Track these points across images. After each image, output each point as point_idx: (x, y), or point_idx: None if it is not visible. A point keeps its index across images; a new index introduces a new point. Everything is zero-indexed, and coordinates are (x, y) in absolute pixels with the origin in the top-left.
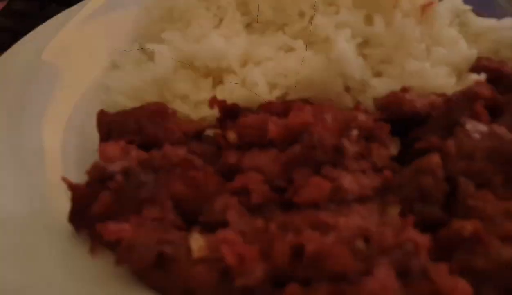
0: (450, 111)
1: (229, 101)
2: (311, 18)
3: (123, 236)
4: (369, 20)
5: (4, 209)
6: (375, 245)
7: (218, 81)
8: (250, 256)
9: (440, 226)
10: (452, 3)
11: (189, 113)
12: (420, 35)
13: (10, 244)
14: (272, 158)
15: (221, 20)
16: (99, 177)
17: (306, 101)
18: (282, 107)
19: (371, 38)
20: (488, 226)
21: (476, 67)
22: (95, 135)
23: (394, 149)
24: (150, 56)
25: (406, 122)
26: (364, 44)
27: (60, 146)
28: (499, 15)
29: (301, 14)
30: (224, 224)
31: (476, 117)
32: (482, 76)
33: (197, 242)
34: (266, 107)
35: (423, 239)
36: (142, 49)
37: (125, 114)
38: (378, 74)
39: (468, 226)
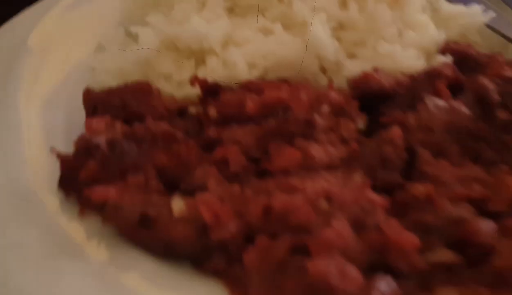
0: (413, 88)
1: (210, 80)
2: (290, 3)
3: (109, 198)
4: (344, 5)
5: None
6: (336, 203)
7: (200, 61)
8: (224, 214)
9: (399, 190)
10: None
11: (172, 92)
12: (392, 20)
13: None
14: (249, 131)
15: (203, 5)
16: (85, 147)
17: (284, 81)
18: (260, 86)
19: (345, 22)
20: (440, 189)
21: (444, 50)
22: (82, 112)
23: (361, 123)
24: (135, 38)
25: (374, 99)
26: (339, 27)
27: (44, 121)
28: (467, 2)
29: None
30: (204, 190)
31: (437, 94)
32: (448, 58)
33: (178, 204)
34: (245, 86)
35: (380, 199)
36: (127, 32)
37: (110, 92)
38: (352, 56)
39: (421, 189)
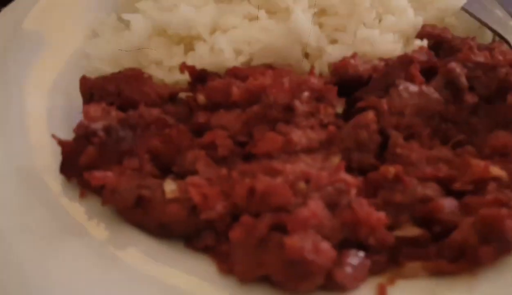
0: (387, 74)
1: (198, 67)
2: None
3: (107, 182)
4: None
5: None
6: (313, 185)
7: (189, 48)
8: (212, 195)
9: (372, 171)
10: None
11: (163, 77)
12: (372, 4)
13: None
14: (235, 116)
15: None
16: (84, 134)
17: (269, 66)
18: (246, 72)
19: (327, 8)
20: (409, 170)
21: (421, 34)
22: (80, 98)
23: (339, 107)
24: (127, 24)
25: (352, 84)
26: (320, 13)
27: (46, 109)
28: None
29: None
30: (194, 173)
31: (410, 79)
32: (425, 42)
33: (170, 186)
34: (232, 72)
35: (353, 180)
36: (120, 19)
37: (105, 79)
38: (333, 41)
39: (391, 169)
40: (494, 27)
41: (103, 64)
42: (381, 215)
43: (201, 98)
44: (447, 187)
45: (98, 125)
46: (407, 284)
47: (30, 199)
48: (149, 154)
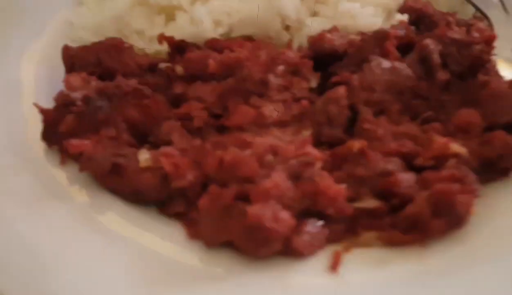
0: (362, 49)
1: (178, 38)
2: None
3: (84, 150)
4: None
5: None
6: (280, 157)
7: (170, 17)
8: (183, 165)
9: (340, 145)
10: None
11: (144, 47)
12: None
13: None
14: (211, 89)
15: None
16: (64, 103)
17: (248, 38)
18: (224, 44)
19: None
20: (375, 145)
21: (403, 7)
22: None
23: (314, 82)
24: None
25: (328, 58)
26: None
27: (33, 77)
28: None
29: None
30: (169, 143)
31: (385, 54)
32: (405, 17)
33: (144, 155)
34: (210, 44)
35: (318, 154)
36: None
37: (86, 49)
38: (315, 14)
39: (356, 144)
40: (477, 2)
41: (87, 33)
42: (341, 187)
43: (179, 69)
44: (410, 162)
45: (77, 95)
46: (361, 252)
47: (19, 165)
48: (126, 124)
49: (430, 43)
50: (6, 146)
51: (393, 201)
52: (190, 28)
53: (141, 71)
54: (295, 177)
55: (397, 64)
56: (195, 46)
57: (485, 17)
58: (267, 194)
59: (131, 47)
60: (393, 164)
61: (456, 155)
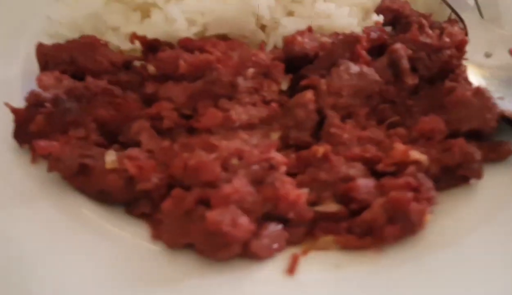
0: (332, 53)
1: (153, 35)
2: None
3: (52, 151)
4: None
5: None
6: (244, 162)
7: (146, 14)
8: (148, 168)
9: (306, 148)
10: None
11: (119, 44)
12: None
13: None
14: (182, 89)
15: None
16: (34, 103)
17: (222, 37)
18: (197, 44)
19: None
20: (340, 149)
21: (380, 7)
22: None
23: (284, 84)
24: None
25: (299, 61)
26: None
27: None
28: None
29: None
30: (138, 143)
31: (356, 58)
32: (381, 18)
33: (110, 157)
34: (183, 43)
35: (282, 159)
36: None
37: (59, 47)
38: (290, 13)
39: (320, 149)
40: (452, 3)
41: (63, 28)
42: (301, 192)
43: (151, 68)
44: (372, 167)
45: (48, 95)
46: (318, 255)
47: None
48: (95, 123)
49: (399, 48)
50: None
51: (352, 205)
52: (164, 26)
53: (115, 69)
54: (258, 182)
55: (365, 69)
56: (168, 45)
57: (460, 19)
58: (227, 199)
59: (105, 45)
60: (355, 169)
61: (416, 162)
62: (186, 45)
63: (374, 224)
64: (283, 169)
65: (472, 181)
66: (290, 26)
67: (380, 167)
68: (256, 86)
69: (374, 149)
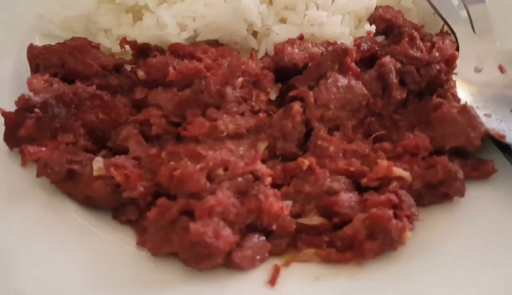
0: (320, 64)
1: (144, 39)
2: None
3: (40, 156)
4: None
5: None
6: (229, 173)
7: (138, 16)
8: (134, 176)
9: (293, 160)
10: None
11: (110, 47)
12: None
13: None
14: (170, 97)
15: None
16: (24, 107)
17: (214, 43)
18: (187, 50)
19: None
20: (325, 162)
21: (373, 16)
22: None
23: (273, 94)
24: None
25: (288, 71)
26: None
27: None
28: None
29: None
30: (126, 150)
31: (345, 70)
32: (373, 28)
33: (97, 164)
34: (174, 48)
35: (267, 171)
36: None
37: (50, 49)
38: (283, 20)
39: (306, 162)
40: (445, 15)
41: (55, 28)
42: (284, 205)
43: (141, 74)
44: (356, 181)
45: (37, 99)
46: (299, 267)
47: None
48: (84, 128)
49: (388, 62)
50: None
51: (335, 219)
52: (155, 30)
53: (105, 72)
54: (242, 193)
55: (353, 82)
56: (159, 50)
57: (452, 32)
58: (211, 211)
59: (96, 48)
60: (339, 183)
61: (399, 178)
62: (177, 50)
63: (355, 239)
64: (268, 180)
65: (455, 199)
66: (281, 33)
67: (364, 181)
68: (244, 96)
69: (359, 163)
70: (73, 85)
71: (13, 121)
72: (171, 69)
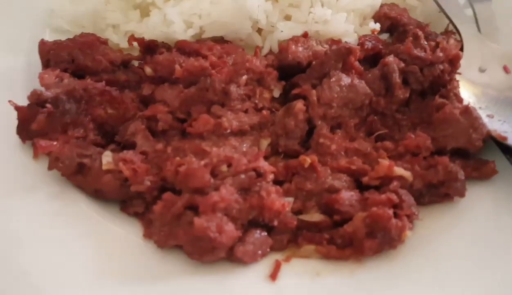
0: (324, 63)
1: (151, 36)
2: None
3: (52, 150)
4: None
5: None
6: (233, 169)
7: (146, 12)
8: (141, 171)
9: (295, 157)
10: None
11: (118, 42)
12: None
13: None
14: (176, 93)
15: None
16: (36, 102)
17: (219, 40)
18: (193, 47)
19: None
20: (327, 160)
21: (378, 14)
22: None
23: (277, 92)
24: None
25: (292, 69)
26: None
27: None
28: None
29: None
30: (133, 144)
31: (348, 69)
32: (377, 26)
33: (106, 158)
34: (180, 45)
35: (269, 168)
36: None
37: (60, 45)
38: (288, 17)
39: (308, 159)
40: (451, 14)
41: (65, 23)
42: (285, 202)
43: (148, 70)
44: (357, 179)
45: (48, 94)
46: (299, 263)
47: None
48: (93, 123)
49: (392, 61)
50: None
51: (335, 217)
52: (162, 27)
53: (114, 68)
54: (245, 189)
55: (356, 81)
56: (166, 46)
57: (457, 31)
58: (214, 207)
59: (105, 43)
60: (340, 181)
61: (400, 178)
62: (183, 47)
63: (355, 236)
64: (271, 177)
65: (456, 198)
66: (286, 30)
67: (365, 180)
68: (248, 93)
69: (361, 161)
70: (83, 81)
71: (26, 116)
72: (177, 66)
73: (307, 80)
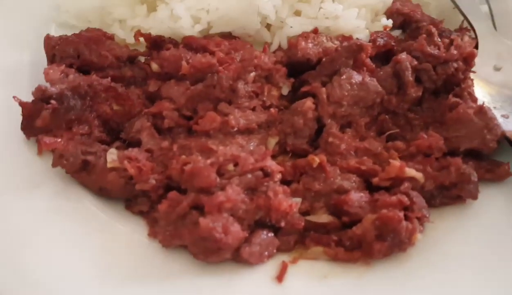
0: (334, 60)
1: (158, 31)
2: None
3: (56, 147)
4: None
5: None
6: (239, 168)
7: (152, 7)
8: (147, 169)
9: (303, 156)
10: None
11: (125, 38)
12: None
13: None
14: (183, 90)
15: None
16: (41, 98)
17: (227, 35)
18: (201, 43)
19: None
20: (336, 159)
21: (390, 10)
22: None
23: (285, 89)
24: None
25: (301, 66)
26: None
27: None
28: None
29: None
30: (138, 142)
31: (359, 66)
32: (389, 22)
33: (111, 156)
34: (187, 41)
35: (277, 167)
36: None
37: (66, 40)
38: (298, 13)
39: (316, 159)
40: (465, 10)
41: (70, 17)
42: (293, 203)
43: (154, 66)
44: (367, 180)
45: (53, 90)
46: (306, 265)
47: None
48: (98, 120)
49: (404, 59)
50: None
51: (344, 218)
52: (169, 22)
53: (120, 63)
54: (251, 189)
55: (368, 79)
56: (173, 42)
57: (472, 28)
58: (220, 207)
59: (111, 39)
60: (349, 181)
61: (411, 179)
62: (190, 43)
63: (364, 239)
64: (278, 176)
65: (468, 201)
66: (295, 26)
67: (375, 181)
68: (256, 91)
69: (371, 162)
70: (88, 77)
71: (30, 112)
72: (184, 63)
73: (317, 77)
